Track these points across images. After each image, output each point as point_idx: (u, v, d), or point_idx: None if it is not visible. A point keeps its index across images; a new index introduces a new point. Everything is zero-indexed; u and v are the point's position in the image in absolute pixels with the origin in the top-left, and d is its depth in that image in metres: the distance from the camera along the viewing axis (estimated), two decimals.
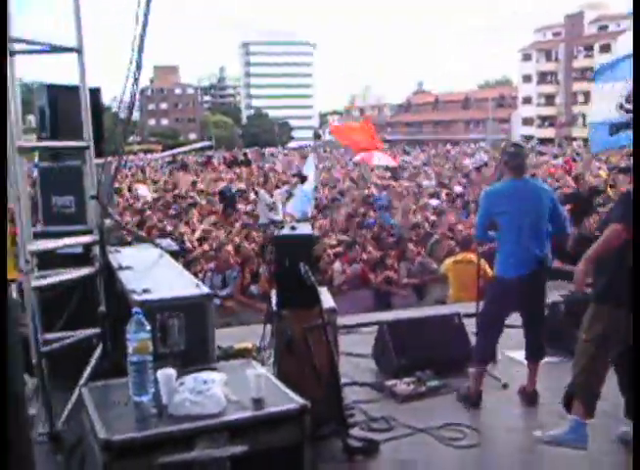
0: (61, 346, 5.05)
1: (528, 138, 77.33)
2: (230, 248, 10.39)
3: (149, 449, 3.02)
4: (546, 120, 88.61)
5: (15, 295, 4.69)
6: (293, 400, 3.38)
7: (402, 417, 5.34)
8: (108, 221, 5.40)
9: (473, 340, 6.24)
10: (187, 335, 4.00)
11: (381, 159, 23.30)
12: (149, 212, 15.55)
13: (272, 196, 17.04)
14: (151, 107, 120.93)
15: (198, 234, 12.72)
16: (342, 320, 6.25)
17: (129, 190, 22.14)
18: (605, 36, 75.26)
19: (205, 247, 11.30)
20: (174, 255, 5.68)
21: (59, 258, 5.56)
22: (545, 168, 27.74)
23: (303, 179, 15.71)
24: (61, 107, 5.69)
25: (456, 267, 9.64)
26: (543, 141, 73.93)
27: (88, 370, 5.15)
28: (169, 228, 13.19)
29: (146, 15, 4.52)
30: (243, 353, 6.15)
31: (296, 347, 4.85)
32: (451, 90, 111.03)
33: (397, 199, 17.48)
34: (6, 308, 2.90)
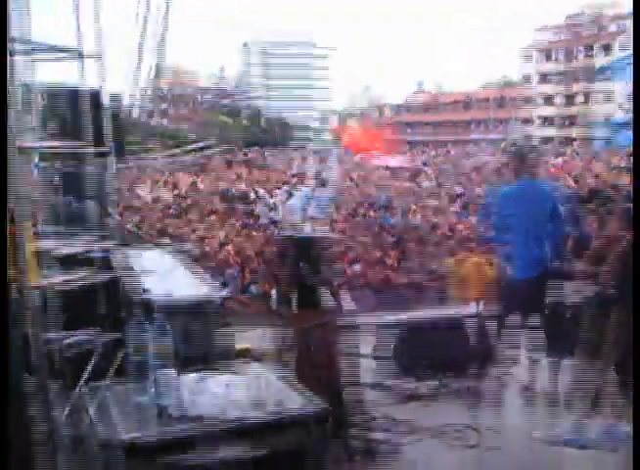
0: (61, 346, 5.05)
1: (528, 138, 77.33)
2: (230, 248, 10.40)
3: (150, 450, 3.02)
4: (546, 121, 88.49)
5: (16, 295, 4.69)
6: (295, 402, 3.38)
7: (404, 417, 5.34)
8: (110, 222, 5.40)
9: (473, 340, 6.24)
10: (189, 336, 4.00)
11: (381, 159, 23.33)
12: (149, 214, 15.56)
13: (272, 196, 17.06)
14: (150, 107, 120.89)
15: (198, 235, 12.71)
16: (342, 320, 6.24)
17: (129, 190, 22.15)
18: (605, 36, 75.17)
19: (207, 248, 11.31)
20: (178, 255, 5.68)
21: (61, 260, 5.56)
22: (545, 169, 27.74)
23: (323, 183, 15.69)
24: (61, 108, 5.69)
25: (457, 267, 9.63)
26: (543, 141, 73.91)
27: (89, 370, 5.14)
28: (169, 229, 13.20)
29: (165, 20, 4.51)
30: (243, 354, 6.13)
31: (297, 347, 4.85)
32: (452, 90, 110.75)
33: (398, 199, 17.50)
34: (7, 309, 2.90)
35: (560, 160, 34.54)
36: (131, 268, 4.89)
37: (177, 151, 54.66)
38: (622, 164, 23.82)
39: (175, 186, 23.93)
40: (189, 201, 18.54)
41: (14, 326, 3.36)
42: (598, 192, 14.78)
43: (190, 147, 61.10)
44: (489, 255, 7.25)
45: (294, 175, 24.59)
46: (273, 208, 15.80)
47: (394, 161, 22.43)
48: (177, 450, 3.05)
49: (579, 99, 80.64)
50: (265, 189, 19.65)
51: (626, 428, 4.75)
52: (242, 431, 3.19)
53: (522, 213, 5.48)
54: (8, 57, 3.32)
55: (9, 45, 4.64)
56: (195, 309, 4.07)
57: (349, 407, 5.31)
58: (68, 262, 5.52)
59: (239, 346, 6.41)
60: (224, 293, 9.51)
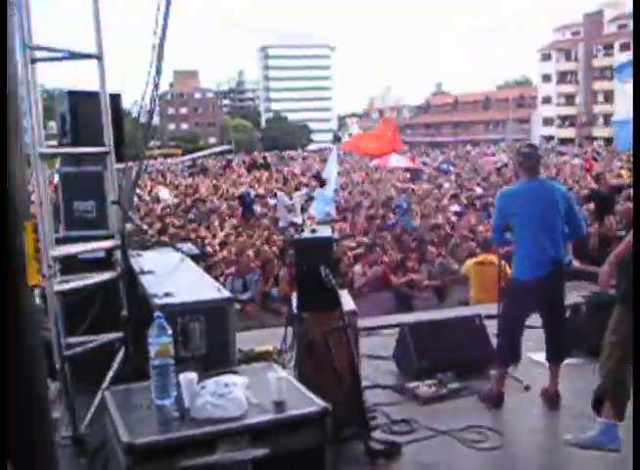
0: (83, 350, 5.09)
1: (549, 138, 76.92)
2: (250, 252, 10.43)
3: (171, 453, 3.03)
4: (566, 120, 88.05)
5: (38, 300, 4.73)
6: (314, 403, 3.38)
7: (424, 419, 5.32)
8: (129, 226, 5.43)
9: (494, 341, 6.22)
10: (208, 339, 4.01)
11: (399, 161, 23.26)
12: (170, 219, 15.63)
13: (291, 198, 17.09)
14: (170, 111, 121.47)
15: (219, 239, 12.77)
16: (362, 322, 6.24)
17: (150, 194, 22.28)
18: (625, 35, 74.61)
19: (225, 252, 11.34)
20: (195, 259, 5.70)
21: (81, 263, 5.61)
22: (567, 168, 27.61)
23: (322, 183, 15.73)
24: (81, 113, 5.75)
25: (477, 269, 9.62)
26: (563, 141, 73.51)
27: (110, 374, 5.18)
28: (191, 234, 13.26)
29: (165, 19, 4.54)
30: (264, 356, 6.16)
31: (316, 349, 4.85)
32: (469, 91, 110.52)
33: (417, 202, 17.47)
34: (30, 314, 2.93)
35: (577, 161, 34.31)
36: (151, 272, 4.91)
37: (197, 155, 54.94)
38: None
39: (196, 190, 24.05)
40: (208, 205, 18.62)
41: (36, 331, 3.38)
42: (620, 188, 14.65)
43: (209, 151, 61.40)
44: (509, 256, 7.20)
45: (313, 177, 24.63)
46: (292, 210, 15.81)
47: (395, 161, 22.27)
48: (198, 453, 3.06)
49: (600, 98, 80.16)
50: (284, 192, 19.68)
51: None
52: (261, 432, 3.20)
53: (531, 212, 5.44)
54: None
55: (28, 52, 4.70)
56: (214, 313, 4.08)
57: (370, 410, 5.32)
58: (88, 266, 5.58)
59: (259, 348, 6.45)
60: (245, 297, 9.57)
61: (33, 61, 4.91)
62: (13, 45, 3.38)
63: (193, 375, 3.42)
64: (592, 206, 13.19)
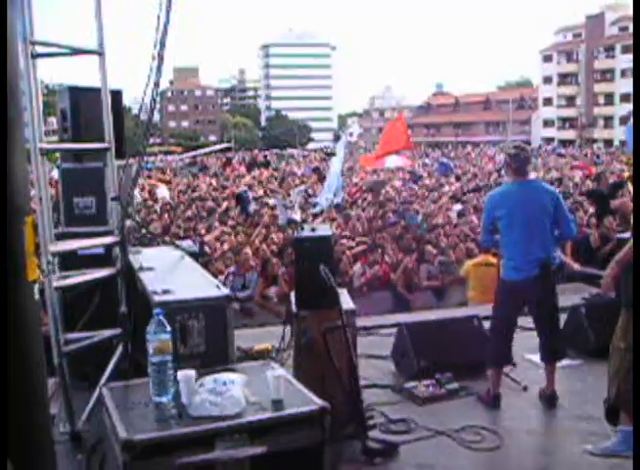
0: (82, 346, 5.09)
1: (549, 140, 76.93)
2: (249, 250, 10.41)
3: (169, 450, 3.03)
4: (567, 122, 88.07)
5: (37, 295, 4.73)
6: (312, 402, 3.38)
7: (422, 419, 5.32)
8: (128, 222, 5.43)
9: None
10: (207, 336, 4.02)
11: (395, 161, 23.16)
12: (169, 216, 15.61)
13: (289, 195, 17.08)
14: (171, 108, 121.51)
15: (210, 236, 12.74)
16: (361, 322, 6.24)
17: (149, 192, 22.23)
18: (626, 37, 74.63)
19: (219, 251, 11.32)
20: (194, 256, 5.70)
21: (80, 259, 5.60)
22: (569, 170, 27.62)
23: (322, 178, 15.68)
24: (82, 109, 5.74)
25: (476, 269, 9.60)
26: (564, 143, 73.51)
27: (109, 370, 5.18)
28: (190, 232, 13.24)
29: (167, 15, 4.53)
30: (262, 355, 6.17)
31: (315, 348, 4.85)
32: (470, 92, 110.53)
33: (417, 202, 17.44)
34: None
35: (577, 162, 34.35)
36: (150, 269, 4.91)
37: (197, 152, 54.92)
38: None
39: (195, 188, 23.99)
40: (208, 203, 18.58)
41: (36, 326, 3.37)
42: (620, 184, 14.49)
43: (209, 149, 61.35)
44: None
45: (313, 170, 24.58)
46: (291, 207, 15.78)
47: (390, 161, 22.16)
48: (196, 450, 3.06)
49: (601, 100, 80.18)
50: (283, 189, 19.66)
51: None
52: (259, 431, 3.20)
53: (518, 213, 5.41)
54: (30, 59, 3.35)
55: (30, 47, 4.69)
56: (213, 310, 4.08)
57: (368, 409, 5.31)
58: (88, 262, 5.58)
59: (258, 346, 6.45)
60: (244, 295, 9.56)
61: (34, 56, 4.90)
62: (14, 40, 3.37)
63: (191, 372, 3.42)
64: (592, 207, 13.16)
